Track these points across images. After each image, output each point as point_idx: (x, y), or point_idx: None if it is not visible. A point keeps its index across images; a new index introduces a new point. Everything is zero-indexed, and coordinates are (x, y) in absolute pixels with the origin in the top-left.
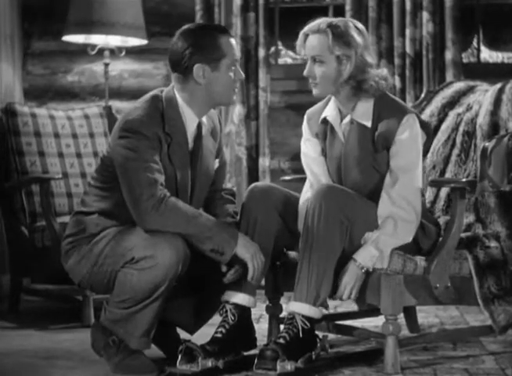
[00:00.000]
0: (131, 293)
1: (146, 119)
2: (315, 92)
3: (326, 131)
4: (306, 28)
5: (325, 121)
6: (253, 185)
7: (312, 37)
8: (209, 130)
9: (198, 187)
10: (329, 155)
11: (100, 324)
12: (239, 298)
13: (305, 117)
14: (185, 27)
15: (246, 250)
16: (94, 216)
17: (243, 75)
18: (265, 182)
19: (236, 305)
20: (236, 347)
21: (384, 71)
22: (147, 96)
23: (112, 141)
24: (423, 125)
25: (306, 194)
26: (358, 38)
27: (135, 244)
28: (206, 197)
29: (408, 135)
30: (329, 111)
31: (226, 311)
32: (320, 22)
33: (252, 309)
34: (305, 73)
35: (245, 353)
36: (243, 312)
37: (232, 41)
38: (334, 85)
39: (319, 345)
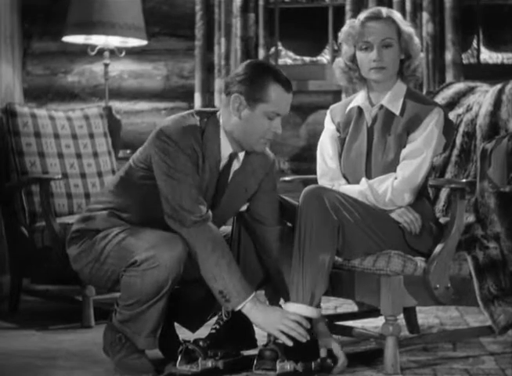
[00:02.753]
0: (137, 296)
1: (185, 133)
2: (380, 76)
3: (350, 119)
4: (363, 17)
5: (352, 111)
6: None
7: (379, 23)
8: (250, 168)
9: (217, 215)
10: (351, 141)
11: (112, 325)
12: None
13: (328, 111)
14: (259, 60)
15: (269, 325)
16: (105, 213)
17: (280, 131)
18: None
19: None
20: (231, 344)
21: (422, 55)
22: (195, 112)
23: (150, 141)
24: (448, 124)
25: (320, 181)
26: (410, 25)
27: (137, 247)
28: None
29: (433, 125)
30: (360, 101)
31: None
32: (378, 9)
33: None
34: (376, 57)
35: (245, 353)
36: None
37: (285, 96)
38: (395, 69)
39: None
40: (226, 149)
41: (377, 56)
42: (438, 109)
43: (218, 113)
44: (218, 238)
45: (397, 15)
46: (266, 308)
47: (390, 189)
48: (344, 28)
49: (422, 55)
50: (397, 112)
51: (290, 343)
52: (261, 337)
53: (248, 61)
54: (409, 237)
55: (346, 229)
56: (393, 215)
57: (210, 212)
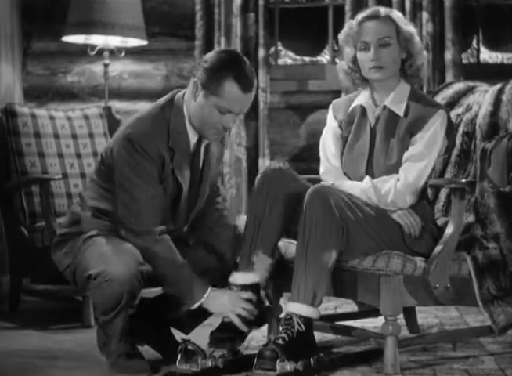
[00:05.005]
0: (100, 307)
1: (152, 136)
2: (379, 75)
3: (353, 118)
4: (361, 17)
5: (355, 110)
6: (264, 171)
7: (376, 23)
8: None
9: (199, 200)
10: (353, 140)
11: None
12: None
13: (330, 107)
14: (231, 50)
15: (223, 308)
16: (88, 213)
17: (231, 127)
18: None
19: None
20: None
21: (425, 54)
22: (158, 106)
23: (115, 145)
24: (450, 126)
25: (323, 177)
26: (411, 24)
27: (91, 261)
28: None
29: (437, 127)
30: (363, 99)
31: None
32: (377, 9)
33: None
34: (373, 56)
35: (244, 353)
36: None
37: (241, 96)
38: (396, 68)
39: (317, 356)
40: (193, 136)
41: (374, 56)
42: (442, 111)
43: (176, 96)
44: (167, 247)
45: (396, 14)
46: (217, 295)
47: (393, 191)
48: (343, 30)
49: (425, 54)
50: (401, 113)
51: (244, 329)
52: (260, 337)
53: (220, 49)
54: (408, 240)
55: (350, 229)
56: (394, 216)
57: (161, 227)
